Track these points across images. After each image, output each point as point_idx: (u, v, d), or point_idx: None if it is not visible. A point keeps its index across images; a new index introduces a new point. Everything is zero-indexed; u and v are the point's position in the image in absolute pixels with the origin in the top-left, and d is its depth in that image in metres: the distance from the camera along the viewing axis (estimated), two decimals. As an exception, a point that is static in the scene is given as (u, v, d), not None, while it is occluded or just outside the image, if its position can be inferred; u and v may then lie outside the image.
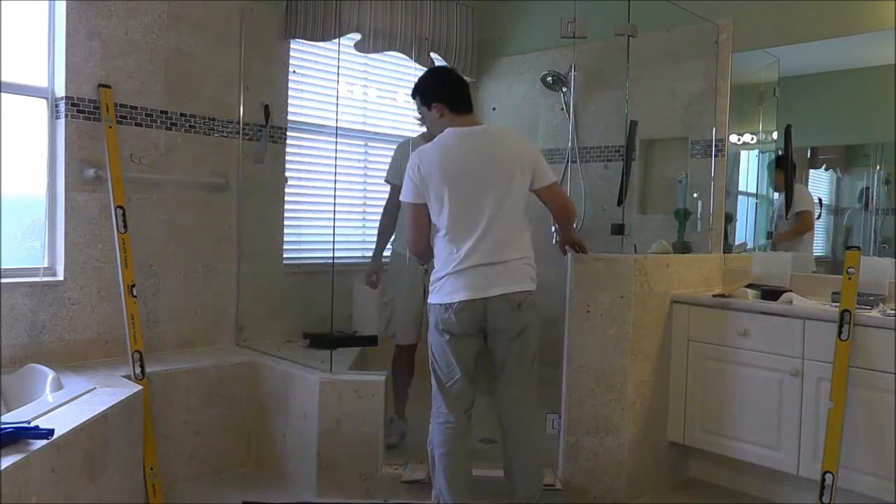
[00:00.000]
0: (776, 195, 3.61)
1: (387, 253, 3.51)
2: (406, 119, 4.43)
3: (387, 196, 3.46)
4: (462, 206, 2.44)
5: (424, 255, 2.60)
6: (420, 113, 2.70)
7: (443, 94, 2.56)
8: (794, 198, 3.45)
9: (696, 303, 3.06)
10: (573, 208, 2.73)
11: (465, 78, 4.46)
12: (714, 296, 3.09)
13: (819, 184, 3.49)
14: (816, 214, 3.47)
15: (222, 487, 3.07)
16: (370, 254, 4.00)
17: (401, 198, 2.57)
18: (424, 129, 3.26)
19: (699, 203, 3.59)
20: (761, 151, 3.67)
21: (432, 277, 2.55)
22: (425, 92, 2.61)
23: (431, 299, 2.54)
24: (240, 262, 3.59)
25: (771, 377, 2.87)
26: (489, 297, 2.43)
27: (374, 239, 3.51)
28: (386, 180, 3.46)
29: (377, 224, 3.48)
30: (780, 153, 3.50)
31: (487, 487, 2.92)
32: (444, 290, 2.48)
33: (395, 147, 3.48)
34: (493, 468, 3.01)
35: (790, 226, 3.52)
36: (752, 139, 3.64)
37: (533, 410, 2.63)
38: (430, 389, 2.66)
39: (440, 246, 2.51)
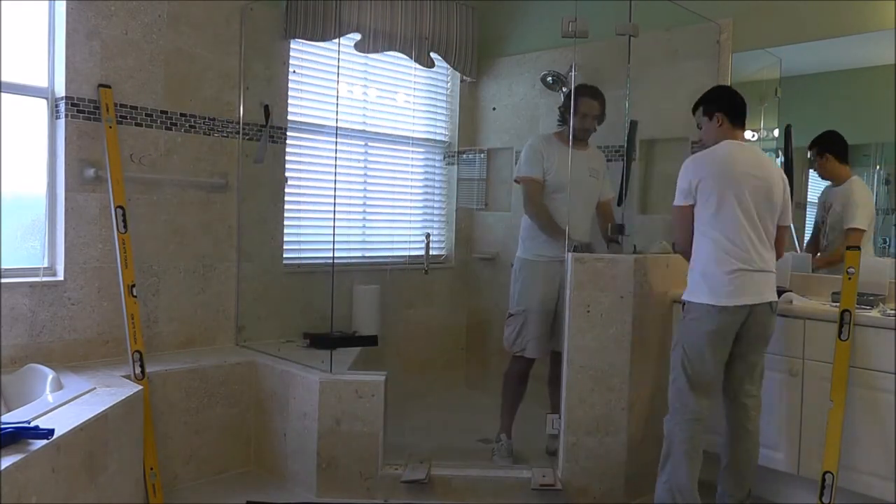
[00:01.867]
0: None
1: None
2: (406, 119, 4.43)
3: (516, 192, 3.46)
4: (741, 210, 2.58)
5: (688, 252, 2.72)
6: (699, 122, 2.81)
7: (723, 105, 2.73)
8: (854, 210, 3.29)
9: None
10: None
11: (465, 78, 4.54)
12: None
13: (819, 184, 3.48)
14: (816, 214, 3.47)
15: (222, 487, 3.07)
16: (370, 254, 4.02)
17: (674, 202, 2.72)
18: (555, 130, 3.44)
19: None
20: (762, 151, 3.66)
21: (697, 274, 2.64)
22: (710, 102, 2.77)
23: (698, 298, 2.62)
24: (240, 262, 3.59)
25: (771, 377, 2.87)
26: (758, 303, 2.59)
27: (376, 239, 3.47)
28: (518, 178, 3.41)
29: (377, 224, 3.45)
30: (778, 153, 3.50)
31: (489, 487, 2.93)
32: (720, 292, 2.58)
33: (395, 147, 3.49)
34: (493, 468, 3.02)
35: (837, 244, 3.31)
36: (754, 136, 3.63)
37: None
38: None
39: (710, 246, 2.61)
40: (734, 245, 2.57)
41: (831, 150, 3.29)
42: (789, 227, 2.78)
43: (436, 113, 4.65)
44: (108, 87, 3.08)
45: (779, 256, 2.75)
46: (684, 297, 2.68)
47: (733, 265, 2.57)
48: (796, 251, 3.46)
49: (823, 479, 2.63)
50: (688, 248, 2.70)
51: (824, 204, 3.40)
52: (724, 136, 2.71)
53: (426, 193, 4.61)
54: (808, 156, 3.40)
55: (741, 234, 2.57)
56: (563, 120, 3.44)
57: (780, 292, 3.00)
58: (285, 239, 3.80)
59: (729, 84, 3.49)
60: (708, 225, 2.62)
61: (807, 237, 3.51)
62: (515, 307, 3.38)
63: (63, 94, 3.00)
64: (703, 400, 2.65)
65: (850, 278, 2.70)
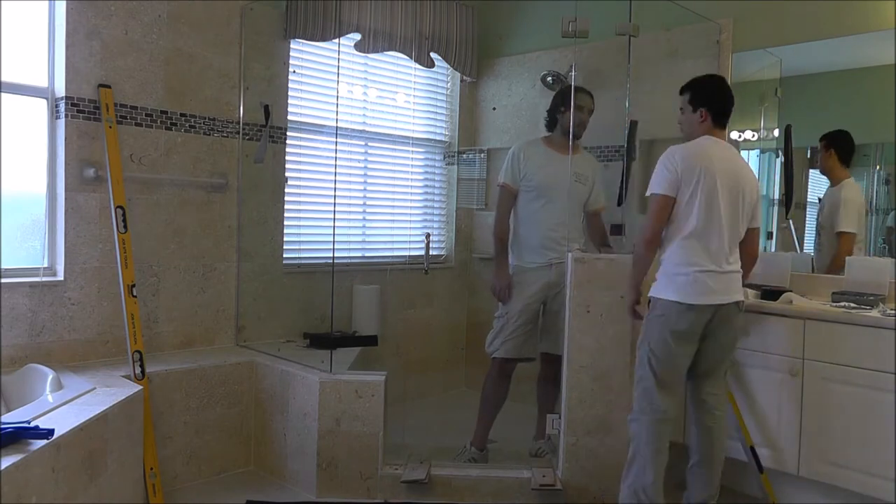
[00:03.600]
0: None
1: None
2: (406, 119, 4.43)
3: (497, 199, 3.42)
4: (715, 210, 2.54)
5: (652, 246, 2.65)
6: (682, 106, 2.74)
7: (711, 103, 2.67)
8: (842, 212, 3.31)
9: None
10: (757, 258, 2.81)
11: (466, 78, 4.54)
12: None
13: (819, 184, 3.48)
14: (817, 214, 3.47)
15: (222, 487, 3.07)
16: (370, 254, 4.00)
17: (652, 190, 2.61)
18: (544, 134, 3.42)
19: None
20: (762, 151, 3.67)
21: (667, 272, 2.60)
22: (698, 94, 2.70)
23: (666, 295, 2.57)
24: (240, 262, 3.59)
25: (771, 377, 2.87)
26: (725, 303, 2.56)
27: (376, 239, 3.47)
28: (502, 183, 3.36)
29: (377, 224, 3.44)
30: (778, 152, 3.50)
31: (489, 487, 2.93)
32: (688, 290, 2.54)
33: (395, 147, 3.48)
34: (493, 468, 3.02)
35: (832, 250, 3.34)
36: (754, 136, 3.63)
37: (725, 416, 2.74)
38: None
39: (684, 243, 2.57)
40: (707, 244, 2.54)
41: (837, 147, 3.29)
42: (757, 228, 2.72)
43: (436, 113, 4.65)
44: (108, 87, 3.08)
45: (753, 257, 2.73)
46: (651, 294, 2.63)
47: (704, 265, 2.53)
48: (796, 251, 3.46)
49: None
50: (656, 242, 2.63)
51: (821, 204, 3.41)
52: (704, 133, 2.67)
53: (426, 193, 4.61)
54: (818, 148, 3.37)
55: (714, 234, 2.54)
56: (551, 123, 3.42)
57: (779, 292, 3.02)
58: (285, 239, 3.80)
59: (728, 84, 3.50)
60: (682, 221, 2.57)
61: (807, 237, 3.51)
62: (498, 311, 3.38)
63: (63, 94, 3.00)
64: (669, 399, 2.61)
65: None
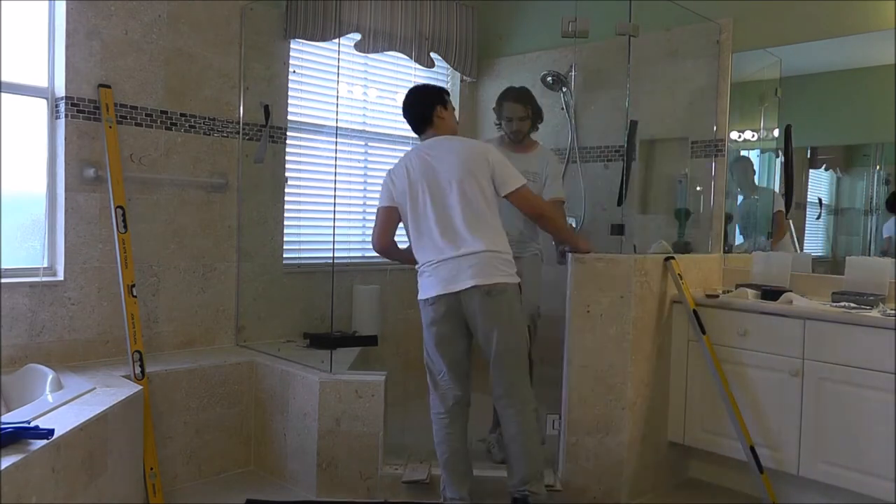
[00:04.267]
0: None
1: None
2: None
3: None
4: (418, 203, 2.65)
5: (383, 252, 2.85)
6: (443, 114, 2.81)
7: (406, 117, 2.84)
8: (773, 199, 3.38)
9: (697, 303, 3.06)
10: (545, 211, 2.84)
11: (466, 78, 4.54)
12: (707, 296, 3.09)
13: (819, 184, 3.49)
14: (816, 214, 3.47)
15: (222, 487, 3.07)
16: (370, 254, 4.00)
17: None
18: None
19: (701, 197, 3.59)
20: (762, 150, 3.67)
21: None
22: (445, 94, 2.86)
23: (419, 295, 2.68)
24: (240, 262, 3.59)
25: (771, 377, 2.87)
26: (460, 290, 2.56)
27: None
28: None
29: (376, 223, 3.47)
30: (778, 153, 3.50)
31: (489, 487, 2.92)
32: (422, 285, 2.66)
33: (395, 147, 3.49)
34: (493, 468, 3.02)
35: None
36: (753, 136, 3.64)
37: (524, 400, 2.67)
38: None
39: (414, 247, 2.71)
40: (429, 239, 2.63)
41: None
42: (518, 190, 2.68)
43: (436, 113, 4.64)
44: (108, 87, 3.08)
45: (535, 214, 2.80)
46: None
47: (430, 259, 2.62)
48: (796, 251, 3.46)
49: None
50: (378, 246, 2.81)
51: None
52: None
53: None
54: (808, 155, 3.35)
55: (425, 226, 2.63)
56: (499, 123, 3.42)
57: (779, 292, 3.01)
58: (285, 239, 3.80)
59: (728, 84, 3.50)
60: (408, 227, 2.71)
61: (807, 237, 3.51)
62: None
63: (63, 94, 3.00)
64: (440, 398, 2.69)
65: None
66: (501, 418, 2.69)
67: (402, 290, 4.19)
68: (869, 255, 3.21)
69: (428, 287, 2.63)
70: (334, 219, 3.32)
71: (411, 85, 3.44)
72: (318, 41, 3.79)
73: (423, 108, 2.80)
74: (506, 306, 2.59)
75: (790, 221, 3.49)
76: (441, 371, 2.68)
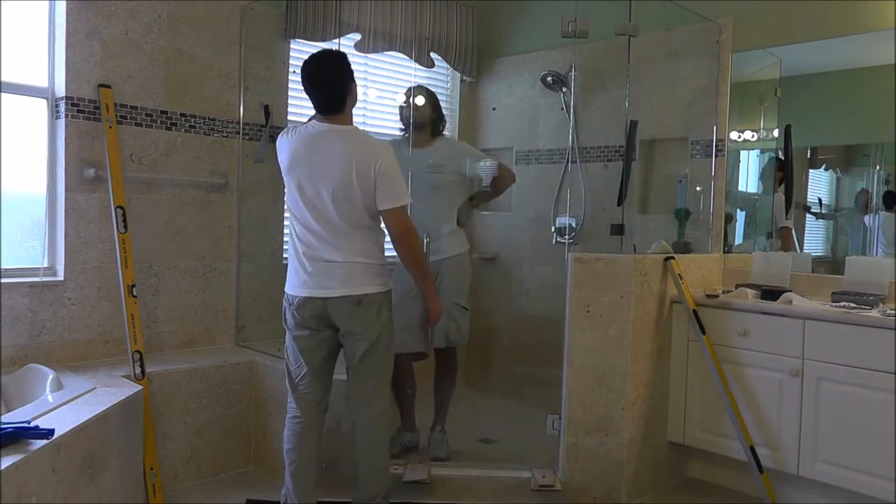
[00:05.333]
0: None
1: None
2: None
3: None
4: (303, 199, 2.47)
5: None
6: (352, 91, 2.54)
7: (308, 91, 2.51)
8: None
9: (697, 303, 3.06)
10: (407, 238, 2.55)
11: (466, 78, 4.54)
12: (707, 296, 3.09)
13: (819, 184, 3.49)
14: (817, 213, 3.48)
15: (222, 487, 3.07)
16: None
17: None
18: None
19: (702, 197, 3.59)
20: (762, 150, 3.67)
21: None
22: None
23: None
24: (240, 262, 3.59)
25: (771, 377, 2.87)
26: (330, 297, 2.45)
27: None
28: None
29: None
30: (778, 153, 3.50)
31: (489, 487, 2.93)
32: (290, 281, 2.54)
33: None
34: (493, 468, 3.02)
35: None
36: (753, 136, 3.64)
37: (379, 415, 2.61)
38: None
39: (291, 235, 2.56)
40: (303, 234, 2.48)
41: None
42: (393, 209, 2.46)
43: (436, 113, 4.64)
44: (108, 87, 3.08)
45: (394, 236, 2.50)
46: None
47: (300, 256, 2.48)
48: (796, 251, 3.46)
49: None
50: None
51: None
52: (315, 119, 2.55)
53: (426, 193, 4.61)
54: (808, 155, 3.35)
55: (305, 224, 2.47)
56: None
57: (779, 292, 3.01)
58: (285, 239, 3.80)
59: (728, 84, 3.50)
60: (289, 212, 2.55)
61: (807, 237, 3.51)
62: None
63: (63, 94, 3.00)
64: (295, 399, 2.58)
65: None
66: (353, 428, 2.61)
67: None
68: (869, 256, 3.21)
69: (296, 285, 2.51)
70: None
71: (411, 85, 3.46)
72: (318, 41, 3.78)
73: (341, 84, 2.48)
74: (374, 315, 2.50)
75: (790, 221, 3.49)
76: (297, 373, 2.58)
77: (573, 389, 2.93)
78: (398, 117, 3.49)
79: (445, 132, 3.51)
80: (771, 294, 3.05)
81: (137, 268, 3.13)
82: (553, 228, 4.15)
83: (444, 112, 3.52)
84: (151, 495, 2.81)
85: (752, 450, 2.85)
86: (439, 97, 4.60)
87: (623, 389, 2.90)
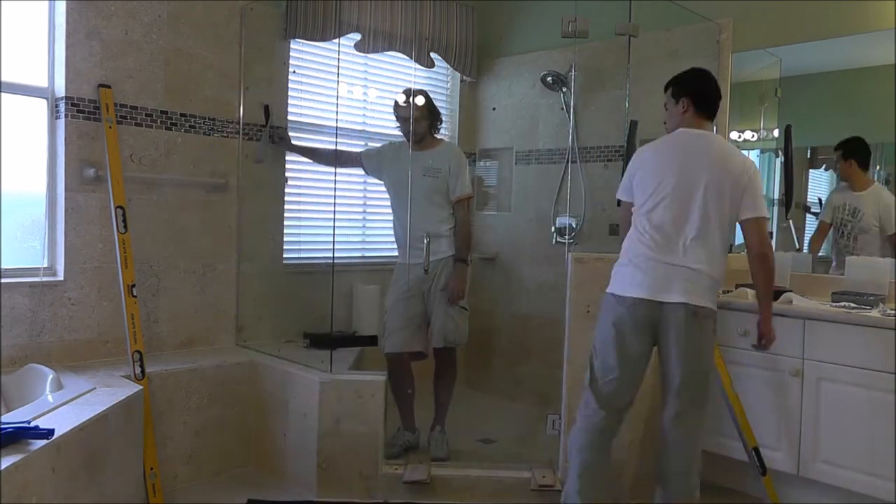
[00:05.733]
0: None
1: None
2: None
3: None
4: (677, 200, 2.41)
5: None
6: (666, 103, 2.64)
7: (691, 90, 2.56)
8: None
9: (697, 303, 3.06)
10: (768, 256, 2.47)
11: (466, 78, 4.54)
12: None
13: (819, 184, 3.49)
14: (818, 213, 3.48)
15: (222, 487, 3.07)
16: (370, 254, 4.04)
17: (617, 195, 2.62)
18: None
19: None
20: (762, 150, 3.67)
21: (615, 266, 2.55)
22: (680, 84, 2.60)
23: (608, 289, 2.51)
24: (240, 262, 3.59)
25: (771, 377, 2.87)
26: (669, 301, 2.35)
27: (376, 239, 3.48)
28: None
29: (377, 224, 3.48)
30: (778, 153, 3.50)
31: (489, 487, 2.93)
32: (622, 280, 2.47)
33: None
34: (493, 468, 3.02)
35: None
36: (754, 136, 3.64)
37: (696, 429, 2.51)
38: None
39: (634, 234, 2.50)
40: (657, 233, 2.40)
41: (856, 156, 3.26)
42: (757, 219, 2.43)
43: (436, 113, 4.64)
44: (108, 87, 3.08)
45: (753, 251, 2.45)
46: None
47: (646, 253, 2.40)
48: (796, 251, 3.46)
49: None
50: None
51: (845, 206, 3.34)
52: (687, 124, 2.54)
53: (426, 193, 4.60)
54: (836, 158, 3.34)
55: (668, 224, 2.40)
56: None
57: (779, 292, 3.01)
58: (285, 239, 3.80)
59: (728, 84, 3.50)
60: (638, 214, 2.48)
61: (806, 237, 3.51)
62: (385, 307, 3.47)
63: (63, 94, 3.00)
64: (602, 407, 2.45)
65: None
66: (661, 446, 2.52)
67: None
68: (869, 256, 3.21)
69: (631, 284, 2.43)
70: (334, 219, 3.32)
71: (411, 85, 3.47)
72: (318, 41, 3.79)
73: (718, 94, 2.60)
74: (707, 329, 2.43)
75: (790, 221, 3.49)
76: (612, 379, 2.46)
77: (573, 389, 2.93)
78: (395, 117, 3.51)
79: (445, 132, 3.51)
80: (771, 294, 3.05)
81: (137, 268, 3.13)
82: (553, 228, 4.15)
83: (444, 112, 3.54)
84: (151, 495, 2.81)
85: (756, 451, 2.84)
86: (439, 97, 4.64)
87: (623, 389, 2.90)
